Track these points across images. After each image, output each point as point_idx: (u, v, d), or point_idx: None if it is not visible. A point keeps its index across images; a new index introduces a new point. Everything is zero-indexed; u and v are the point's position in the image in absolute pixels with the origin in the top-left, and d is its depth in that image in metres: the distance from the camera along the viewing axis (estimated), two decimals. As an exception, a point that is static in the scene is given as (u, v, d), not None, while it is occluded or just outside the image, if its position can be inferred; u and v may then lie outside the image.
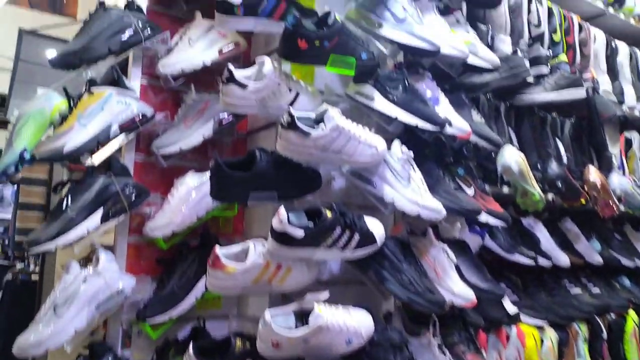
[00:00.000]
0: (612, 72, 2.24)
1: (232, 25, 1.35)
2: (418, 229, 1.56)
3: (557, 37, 2.01)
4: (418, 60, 1.55)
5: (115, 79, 1.42)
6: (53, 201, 3.68)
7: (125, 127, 1.39)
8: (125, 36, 1.41)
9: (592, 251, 2.07)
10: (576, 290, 2.01)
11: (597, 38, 2.19)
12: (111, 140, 1.38)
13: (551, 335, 1.81)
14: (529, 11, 1.92)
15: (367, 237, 1.28)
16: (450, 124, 1.40)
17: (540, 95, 1.83)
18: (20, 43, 4.08)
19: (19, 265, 4.83)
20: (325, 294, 1.24)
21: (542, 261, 1.84)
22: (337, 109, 1.27)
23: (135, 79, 1.51)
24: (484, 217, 1.46)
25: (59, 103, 1.36)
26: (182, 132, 1.48)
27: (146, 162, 1.53)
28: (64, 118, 1.35)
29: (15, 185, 3.87)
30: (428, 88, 1.46)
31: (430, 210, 1.33)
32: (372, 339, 1.26)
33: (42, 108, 1.34)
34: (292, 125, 1.21)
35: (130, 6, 1.46)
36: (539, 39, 1.94)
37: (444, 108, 1.45)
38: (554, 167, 1.81)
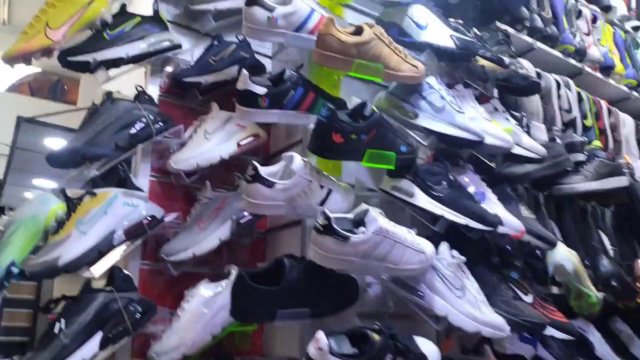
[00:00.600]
0: (644, 156, 2.12)
1: (256, 118, 1.22)
2: (469, 343, 1.35)
3: (588, 122, 1.91)
4: (456, 151, 1.41)
5: (122, 178, 1.26)
6: (43, 297, 3.42)
7: (132, 233, 1.21)
8: (135, 130, 1.27)
9: (648, 355, 1.84)
10: (638, 403, 1.76)
11: (626, 122, 2.09)
12: (115, 248, 1.19)
13: None
14: (559, 96, 1.82)
15: (421, 364, 1.07)
16: (501, 223, 1.23)
17: (581, 185, 1.68)
18: (17, 131, 3.98)
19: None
20: None
21: (601, 372, 1.61)
22: (377, 209, 1.11)
23: (143, 176, 1.35)
24: (548, 331, 1.25)
25: (56, 207, 1.18)
26: (196, 235, 1.30)
27: (153, 270, 1.33)
28: (60, 224, 1.16)
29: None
30: (471, 182, 1.31)
31: (493, 327, 1.13)
32: None
33: (35, 214, 1.16)
34: (328, 229, 1.04)
35: (141, 97, 1.33)
36: (571, 124, 1.84)
37: (492, 204, 1.29)
38: (605, 264, 1.63)
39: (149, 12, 1.38)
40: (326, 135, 1.10)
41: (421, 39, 1.32)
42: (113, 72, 1.34)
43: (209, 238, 1.30)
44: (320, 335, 0.97)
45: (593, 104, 1.98)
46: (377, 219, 1.07)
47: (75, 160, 1.20)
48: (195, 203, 1.36)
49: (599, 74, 2.10)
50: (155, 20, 1.37)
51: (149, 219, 1.25)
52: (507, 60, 1.38)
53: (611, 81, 2.14)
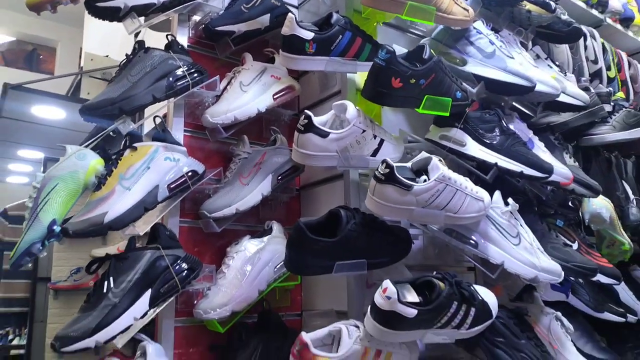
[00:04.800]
0: (660, 107, 2.13)
1: (302, 66, 1.16)
2: (511, 293, 1.35)
3: (611, 73, 1.90)
4: (497, 101, 1.38)
5: (160, 132, 1.19)
6: (41, 267, 3.34)
7: (175, 188, 1.16)
8: (171, 81, 1.20)
9: (668, 301, 1.88)
10: (658, 345, 1.81)
11: (645, 73, 2.09)
12: (160, 204, 1.14)
13: (647, 400, 1.59)
14: (585, 47, 1.80)
15: (484, 312, 1.06)
16: (554, 170, 1.22)
17: (610, 135, 1.68)
18: (4, 98, 3.77)
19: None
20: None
21: (630, 317, 1.64)
22: (437, 156, 1.07)
23: (177, 131, 1.29)
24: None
25: (95, 162, 1.12)
26: (239, 191, 1.25)
27: (192, 228, 1.29)
28: (101, 180, 1.10)
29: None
30: (518, 130, 1.28)
31: (549, 272, 1.12)
32: None
33: (74, 169, 1.09)
34: (390, 177, 1.00)
35: (174, 47, 1.26)
36: (597, 75, 1.82)
37: (541, 152, 1.27)
38: (635, 212, 1.64)
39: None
40: (384, 79, 1.05)
41: (466, -18, 1.26)
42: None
43: (252, 193, 1.26)
44: (389, 285, 0.95)
45: (615, 55, 1.96)
46: (440, 166, 1.04)
47: (111, 113, 1.13)
48: (233, 158, 1.31)
49: (618, 26, 2.07)
50: (184, -36, 1.28)
51: (191, 174, 1.19)
52: (552, 4, 1.34)
53: (630, 33, 2.12)
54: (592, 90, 1.62)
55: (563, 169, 1.26)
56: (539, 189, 1.38)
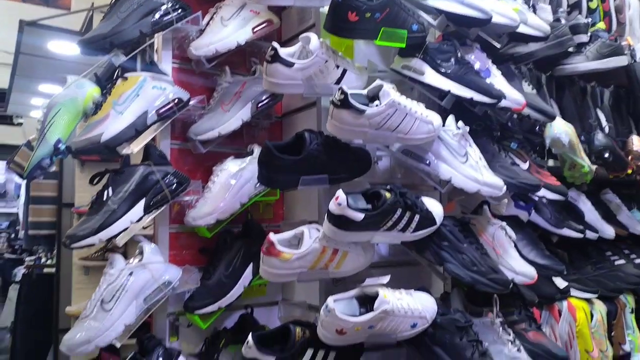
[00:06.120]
0: (647, 38, 2.16)
1: (272, 1, 1.27)
2: (468, 207, 1.51)
3: (593, 4, 1.93)
4: (463, 31, 1.47)
5: (148, 63, 1.34)
6: (65, 193, 3.63)
7: (162, 113, 1.32)
8: (156, 17, 1.33)
9: (634, 222, 2.02)
10: (620, 262, 1.97)
11: (632, 4, 2.11)
12: (149, 127, 1.31)
13: (600, 308, 1.77)
14: (566, -23, 1.83)
15: (427, 219, 1.22)
16: (504, 97, 1.33)
17: (582, 64, 1.76)
18: (21, 35, 3.89)
19: (28, 259, 4.80)
20: (386, 278, 1.19)
21: (589, 234, 1.79)
22: (391, 84, 1.20)
23: (166, 63, 1.43)
24: (541, 192, 1.39)
25: (92, 90, 1.28)
26: (220, 116, 1.41)
27: (182, 149, 1.46)
28: (97, 106, 1.27)
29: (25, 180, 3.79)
30: (478, 60, 1.39)
31: (491, 186, 1.27)
32: (435, 321, 1.20)
33: (74, 96, 1.26)
34: (345, 103, 1.14)
35: (158, -16, 1.38)
36: (576, 6, 1.87)
37: (496, 80, 1.38)
38: (600, 138, 1.75)
39: None
40: (342, 14, 1.17)
41: None
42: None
43: (232, 119, 1.41)
44: (340, 193, 1.11)
45: (600, -16, 1.99)
46: (390, 92, 1.17)
47: (104, 47, 1.28)
48: (217, 87, 1.46)
49: (607, -47, 2.07)
50: None
51: (176, 101, 1.35)
52: None
53: (619, -39, 2.12)
54: (563, 22, 1.68)
55: (516, 96, 1.37)
56: (500, 116, 1.50)
